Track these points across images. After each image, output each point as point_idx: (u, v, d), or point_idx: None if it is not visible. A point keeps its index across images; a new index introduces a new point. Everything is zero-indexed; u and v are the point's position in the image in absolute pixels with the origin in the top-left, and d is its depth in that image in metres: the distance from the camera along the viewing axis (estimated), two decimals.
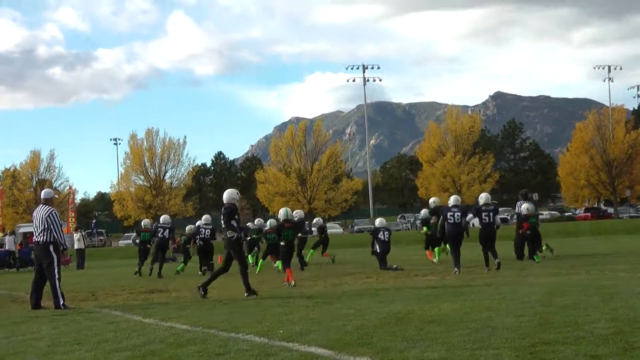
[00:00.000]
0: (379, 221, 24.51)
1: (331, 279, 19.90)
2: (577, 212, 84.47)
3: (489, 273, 18.93)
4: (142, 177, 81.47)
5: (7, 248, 40.64)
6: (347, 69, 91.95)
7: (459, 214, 20.50)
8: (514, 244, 25.10)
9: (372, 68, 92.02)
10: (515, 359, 6.90)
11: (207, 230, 26.17)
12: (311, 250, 29.65)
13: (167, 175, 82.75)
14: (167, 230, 26.78)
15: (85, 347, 8.91)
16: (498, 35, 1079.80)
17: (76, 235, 40.08)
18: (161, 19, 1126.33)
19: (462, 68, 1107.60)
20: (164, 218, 27.87)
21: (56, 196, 15.99)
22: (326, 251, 29.48)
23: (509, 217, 65.98)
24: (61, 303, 14.07)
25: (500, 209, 30.75)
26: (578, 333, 8.15)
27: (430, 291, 14.38)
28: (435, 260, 24.83)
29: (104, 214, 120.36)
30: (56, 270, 14.22)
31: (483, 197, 21.17)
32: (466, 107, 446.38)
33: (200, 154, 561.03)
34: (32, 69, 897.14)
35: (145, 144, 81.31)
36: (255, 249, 28.70)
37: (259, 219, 30.43)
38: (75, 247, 39.14)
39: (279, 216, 19.67)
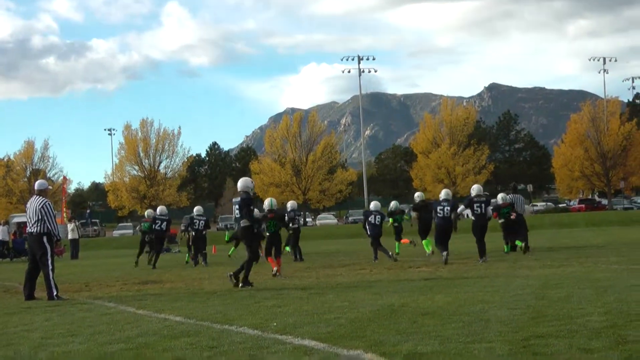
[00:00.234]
0: (373, 204, 24.62)
1: (325, 270, 19.94)
2: (572, 203, 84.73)
3: (482, 265, 18.96)
4: (136, 167, 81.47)
5: (0, 238, 40.57)
6: (342, 60, 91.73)
7: (449, 208, 20.72)
8: (503, 236, 25.18)
9: (368, 59, 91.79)
10: (509, 353, 6.89)
11: (200, 222, 26.28)
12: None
13: (162, 165, 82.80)
14: (165, 222, 26.84)
15: (79, 339, 8.89)
16: (493, 27, 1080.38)
17: (70, 226, 40.05)
18: (155, 10, 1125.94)
19: (457, 59, 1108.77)
20: (160, 209, 27.87)
21: (50, 187, 15.95)
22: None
23: None
24: (55, 294, 14.05)
25: (492, 200, 30.79)
26: (571, 326, 8.16)
27: (424, 283, 14.39)
28: (428, 253, 24.89)
29: (98, 204, 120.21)
30: (50, 261, 14.19)
31: (475, 189, 21.34)
32: (461, 98, 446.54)
33: (195, 145, 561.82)
34: (26, 59, 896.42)
35: (139, 134, 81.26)
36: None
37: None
38: (69, 237, 39.12)
39: (264, 206, 19.67)
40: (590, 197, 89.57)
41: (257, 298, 12.87)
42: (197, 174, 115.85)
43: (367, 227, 23.48)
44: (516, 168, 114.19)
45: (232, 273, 15.35)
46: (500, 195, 24.91)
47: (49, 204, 14.42)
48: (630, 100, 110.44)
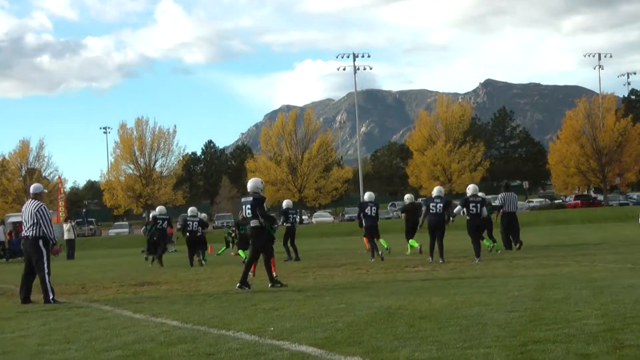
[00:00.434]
0: (367, 195, 24.54)
1: (322, 270, 19.94)
2: (567, 199, 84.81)
3: (479, 264, 18.97)
4: (132, 166, 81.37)
5: None
6: (337, 57, 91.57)
7: (441, 205, 20.87)
8: (501, 234, 25.25)
9: (363, 57, 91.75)
10: (506, 359, 6.88)
11: (194, 223, 26.26)
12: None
13: (157, 164, 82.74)
14: (165, 221, 26.91)
15: (75, 345, 8.86)
16: (488, 23, 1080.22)
17: (66, 226, 40.03)
18: (150, 7, 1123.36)
19: (452, 56, 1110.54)
20: (160, 209, 28.06)
21: (45, 191, 15.83)
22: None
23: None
24: (51, 297, 14.02)
25: (489, 197, 31.09)
26: (568, 330, 8.14)
27: (421, 284, 14.38)
28: (408, 253, 25.03)
29: (94, 203, 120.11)
30: (45, 265, 14.15)
31: (471, 189, 21.47)
32: (457, 94, 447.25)
33: (191, 143, 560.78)
34: (20, 57, 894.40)
35: (135, 133, 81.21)
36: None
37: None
38: (65, 237, 39.10)
39: None
40: (585, 193, 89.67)
41: (254, 300, 12.84)
42: (193, 172, 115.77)
43: (363, 219, 23.48)
44: (512, 164, 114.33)
45: (270, 284, 15.30)
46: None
47: (44, 207, 14.37)
48: (626, 96, 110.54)
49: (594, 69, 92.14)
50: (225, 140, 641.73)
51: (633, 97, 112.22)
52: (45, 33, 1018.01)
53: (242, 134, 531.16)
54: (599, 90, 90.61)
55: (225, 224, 66.83)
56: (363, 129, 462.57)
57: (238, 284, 15.12)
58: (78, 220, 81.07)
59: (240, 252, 25.34)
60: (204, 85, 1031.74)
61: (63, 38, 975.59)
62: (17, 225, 47.79)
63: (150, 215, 29.77)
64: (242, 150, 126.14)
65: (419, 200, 33.04)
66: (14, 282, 17.67)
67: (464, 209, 21.17)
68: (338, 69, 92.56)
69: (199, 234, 26.20)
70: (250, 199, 15.64)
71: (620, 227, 42.67)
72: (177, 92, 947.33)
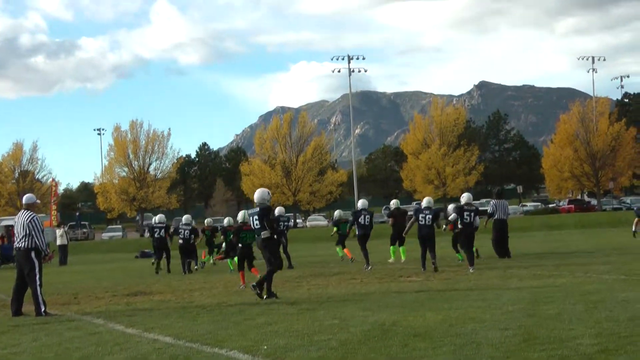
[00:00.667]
0: (361, 203, 24.72)
1: (316, 279, 19.89)
2: (561, 203, 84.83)
3: (473, 274, 18.93)
4: (126, 169, 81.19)
5: None
6: (332, 59, 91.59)
7: (430, 216, 20.87)
8: (492, 242, 25.26)
9: (358, 59, 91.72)
10: None
11: (186, 231, 26.29)
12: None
13: (152, 167, 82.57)
14: (163, 229, 27.06)
15: None
16: (482, 25, 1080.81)
17: (59, 231, 39.92)
18: (145, 8, 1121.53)
19: (446, 57, 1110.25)
20: (159, 217, 28.19)
21: (38, 202, 15.77)
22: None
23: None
24: (42, 310, 13.96)
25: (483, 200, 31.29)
26: (562, 351, 8.10)
27: (415, 297, 14.32)
28: (391, 260, 25.12)
29: (88, 205, 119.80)
30: (38, 277, 14.10)
31: (465, 197, 21.56)
32: (451, 96, 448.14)
33: (185, 144, 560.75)
34: (15, 58, 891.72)
35: (129, 136, 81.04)
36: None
37: (229, 217, 29.60)
38: (58, 243, 39.00)
39: (238, 218, 19.67)
40: (579, 197, 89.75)
41: (247, 314, 12.78)
42: (187, 174, 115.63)
43: (356, 228, 23.55)
44: (506, 168, 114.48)
45: (254, 284, 15.22)
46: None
47: (36, 218, 14.31)
48: (620, 99, 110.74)
49: (588, 72, 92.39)
50: (219, 141, 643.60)
51: (626, 100, 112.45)
52: (40, 33, 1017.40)
53: (237, 135, 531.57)
54: (593, 94, 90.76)
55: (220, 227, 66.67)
56: (358, 130, 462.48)
57: (265, 295, 15.11)
58: (71, 223, 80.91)
59: (228, 261, 25.36)
60: (199, 86, 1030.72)
61: (58, 38, 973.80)
62: (10, 229, 47.56)
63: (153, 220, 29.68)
64: (237, 153, 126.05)
65: (414, 204, 33.11)
66: (6, 292, 17.57)
67: (459, 218, 21.19)
68: (333, 72, 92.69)
69: (191, 241, 26.25)
70: (257, 209, 15.53)
71: (614, 233, 42.69)
72: (171, 92, 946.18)
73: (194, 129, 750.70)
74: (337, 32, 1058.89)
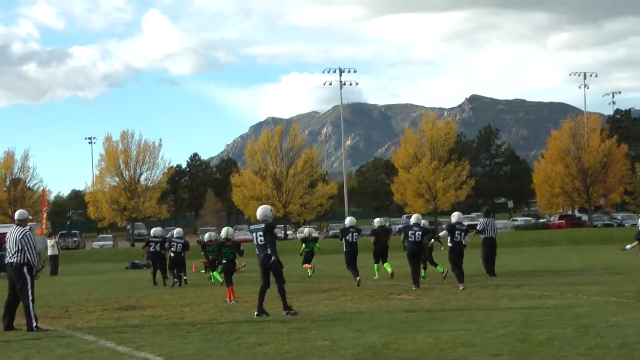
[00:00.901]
0: (349, 220, 24.75)
1: (306, 295, 19.91)
2: (552, 219, 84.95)
3: (462, 293, 18.98)
4: (116, 179, 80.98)
5: None
6: (323, 71, 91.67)
7: (420, 232, 21.30)
8: (482, 259, 25.37)
9: (349, 71, 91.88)
10: None
11: (178, 245, 26.34)
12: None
13: (142, 177, 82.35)
14: (159, 243, 27.29)
15: None
16: (474, 39, 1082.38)
17: (50, 242, 39.82)
18: (136, 18, 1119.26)
19: (438, 70, 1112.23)
20: (154, 231, 28.42)
21: (30, 217, 15.80)
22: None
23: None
24: (34, 325, 13.97)
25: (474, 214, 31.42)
26: None
27: (405, 316, 14.35)
28: (375, 277, 25.08)
29: (79, 213, 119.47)
30: (29, 292, 14.14)
31: (455, 216, 21.80)
32: (442, 109, 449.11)
33: (176, 153, 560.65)
34: (6, 66, 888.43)
35: (120, 146, 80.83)
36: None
37: (209, 233, 29.01)
38: (49, 253, 38.90)
39: (221, 234, 19.82)
40: (570, 212, 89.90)
41: (238, 333, 12.79)
42: (178, 184, 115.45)
43: (344, 245, 23.66)
44: (496, 182, 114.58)
45: (285, 311, 15.35)
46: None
47: (29, 234, 14.34)
48: (611, 115, 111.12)
49: (580, 87, 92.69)
50: (210, 151, 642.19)
51: (618, 116, 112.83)
52: (32, 41, 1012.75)
53: (228, 145, 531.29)
54: (584, 110, 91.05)
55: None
56: (348, 142, 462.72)
57: (285, 311, 15.26)
58: (62, 232, 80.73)
59: (215, 274, 25.53)
60: (190, 96, 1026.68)
61: (49, 47, 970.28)
62: (1, 237, 47.39)
63: (152, 233, 29.44)
64: (227, 164, 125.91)
65: (404, 217, 33.05)
66: None
67: (449, 236, 21.30)
68: (324, 84, 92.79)
69: (182, 254, 26.35)
70: (261, 226, 15.53)
71: (605, 250, 42.79)
72: (163, 102, 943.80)
73: (185, 138, 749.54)
74: (329, 44, 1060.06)
